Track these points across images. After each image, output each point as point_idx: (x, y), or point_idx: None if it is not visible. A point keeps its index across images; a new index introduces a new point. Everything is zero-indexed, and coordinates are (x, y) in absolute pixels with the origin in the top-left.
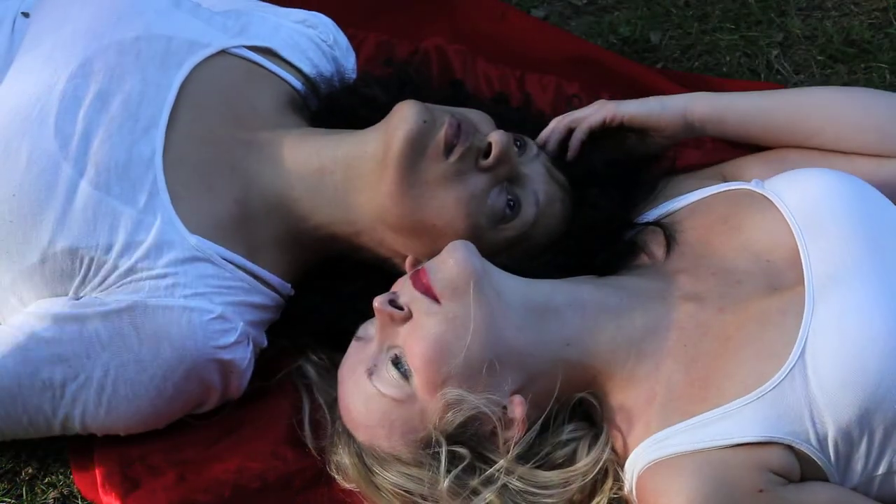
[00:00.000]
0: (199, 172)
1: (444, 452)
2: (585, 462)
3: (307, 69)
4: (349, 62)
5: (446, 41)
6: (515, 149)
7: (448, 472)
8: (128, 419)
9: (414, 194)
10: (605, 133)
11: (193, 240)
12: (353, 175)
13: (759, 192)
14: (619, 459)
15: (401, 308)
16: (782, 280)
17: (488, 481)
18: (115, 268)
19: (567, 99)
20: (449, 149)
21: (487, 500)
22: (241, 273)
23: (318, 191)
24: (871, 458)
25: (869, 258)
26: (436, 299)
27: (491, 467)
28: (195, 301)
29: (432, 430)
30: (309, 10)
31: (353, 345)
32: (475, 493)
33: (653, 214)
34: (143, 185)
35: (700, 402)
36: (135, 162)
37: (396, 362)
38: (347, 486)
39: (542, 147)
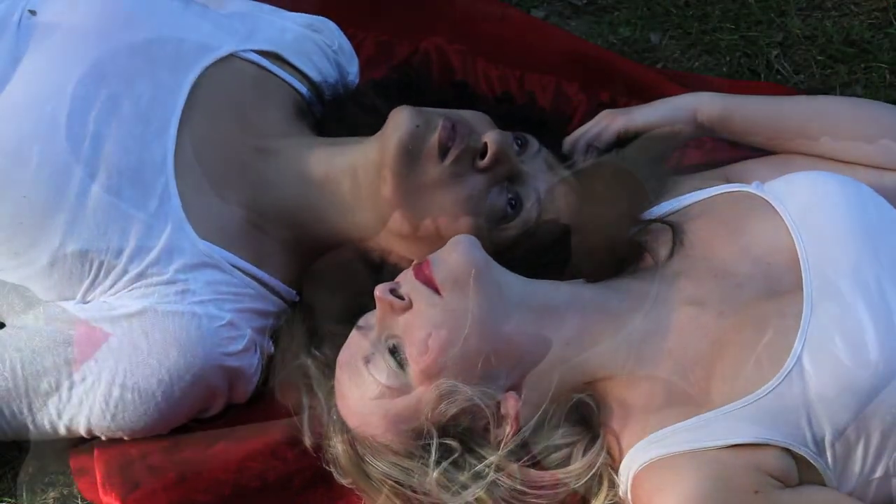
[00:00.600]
0: (209, 177)
1: (434, 444)
2: (579, 465)
3: (312, 74)
4: (352, 68)
5: (446, 41)
6: (515, 147)
7: (437, 464)
8: (133, 423)
9: (412, 199)
10: (620, 144)
11: (203, 246)
12: (358, 183)
13: (759, 194)
14: (614, 463)
15: (401, 298)
16: (781, 283)
17: (478, 476)
18: (124, 272)
19: (595, 107)
20: (444, 151)
21: (476, 496)
22: (248, 279)
23: (325, 199)
24: (867, 462)
25: (867, 261)
26: (437, 291)
27: (481, 463)
28: (204, 308)
29: (424, 421)
30: (309, 10)
31: (354, 333)
32: (464, 487)
33: (654, 213)
34: (155, 189)
35: (698, 404)
36: (146, 166)
37: (394, 351)
38: (343, 481)
39: (569, 161)
